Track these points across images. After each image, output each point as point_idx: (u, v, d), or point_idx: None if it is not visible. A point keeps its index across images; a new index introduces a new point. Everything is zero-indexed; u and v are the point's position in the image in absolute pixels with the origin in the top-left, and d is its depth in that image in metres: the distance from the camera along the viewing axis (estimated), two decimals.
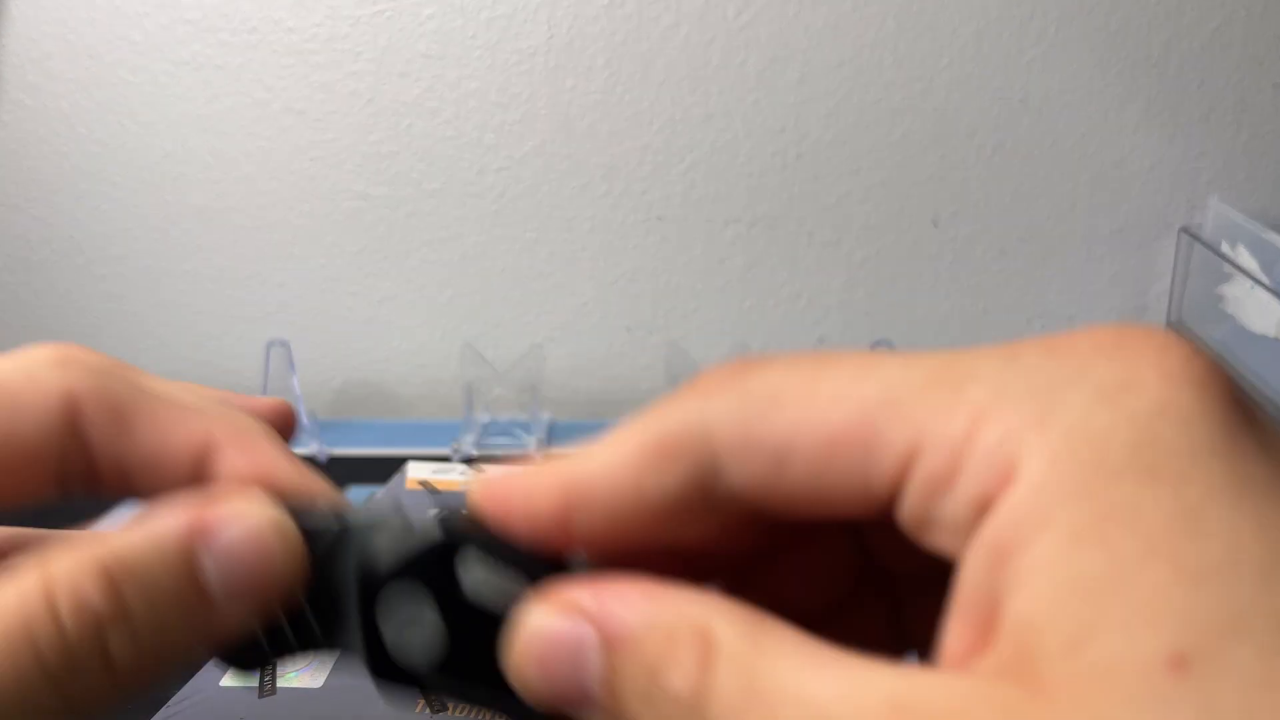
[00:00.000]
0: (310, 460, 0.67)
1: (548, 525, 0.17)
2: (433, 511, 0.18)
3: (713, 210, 0.76)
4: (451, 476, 0.53)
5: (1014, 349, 0.15)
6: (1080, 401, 0.13)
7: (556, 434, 0.71)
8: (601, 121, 0.74)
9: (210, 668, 0.35)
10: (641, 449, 0.16)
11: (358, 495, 0.63)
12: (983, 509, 0.14)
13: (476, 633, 0.17)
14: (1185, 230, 0.76)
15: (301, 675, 0.34)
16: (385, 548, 0.17)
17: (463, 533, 0.17)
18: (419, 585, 0.17)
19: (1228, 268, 0.71)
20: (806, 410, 0.15)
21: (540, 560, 0.17)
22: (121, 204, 0.75)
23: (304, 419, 0.69)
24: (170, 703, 0.33)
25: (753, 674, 0.13)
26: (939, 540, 0.15)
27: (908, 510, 0.15)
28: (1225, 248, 0.72)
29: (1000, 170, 0.76)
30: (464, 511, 0.17)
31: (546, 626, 0.15)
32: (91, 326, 0.78)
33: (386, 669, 0.17)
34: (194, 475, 0.22)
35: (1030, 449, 0.13)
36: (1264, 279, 0.67)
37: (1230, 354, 0.71)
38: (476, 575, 0.17)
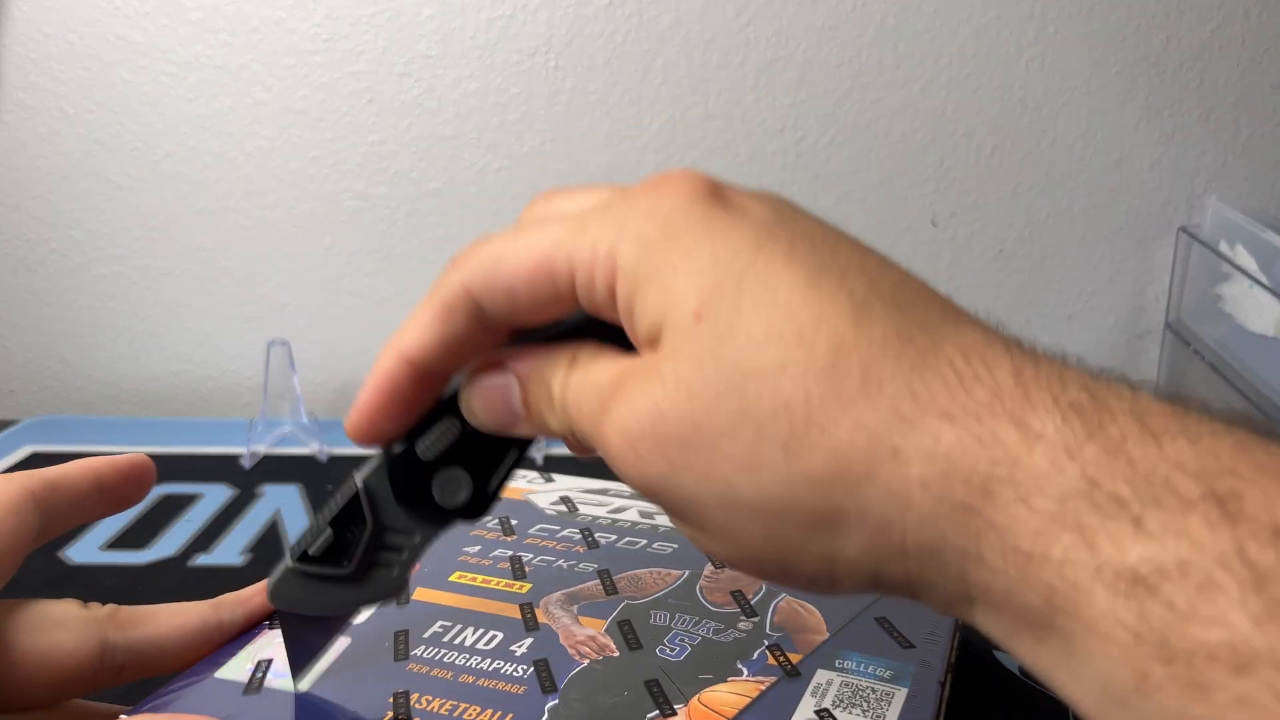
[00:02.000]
0: (310, 460, 0.68)
1: (413, 388, 0.28)
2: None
3: None
4: None
5: (610, 200, 0.25)
6: (637, 217, 0.24)
7: None
8: (601, 122, 0.74)
9: (210, 661, 0.35)
10: (434, 313, 0.27)
11: None
12: (610, 289, 0.24)
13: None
14: (1184, 230, 0.76)
15: (285, 679, 0.34)
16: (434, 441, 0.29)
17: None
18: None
19: (1226, 267, 0.72)
20: (514, 262, 0.25)
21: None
22: (121, 204, 0.76)
23: (304, 418, 0.69)
24: (159, 691, 0.33)
25: (578, 371, 0.26)
26: (609, 313, 0.25)
27: (585, 302, 0.25)
28: (1224, 247, 0.72)
29: (999, 170, 0.76)
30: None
31: (487, 379, 0.28)
32: (91, 326, 0.79)
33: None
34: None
35: (620, 250, 0.24)
36: (1262, 278, 0.67)
37: (1229, 353, 0.71)
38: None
